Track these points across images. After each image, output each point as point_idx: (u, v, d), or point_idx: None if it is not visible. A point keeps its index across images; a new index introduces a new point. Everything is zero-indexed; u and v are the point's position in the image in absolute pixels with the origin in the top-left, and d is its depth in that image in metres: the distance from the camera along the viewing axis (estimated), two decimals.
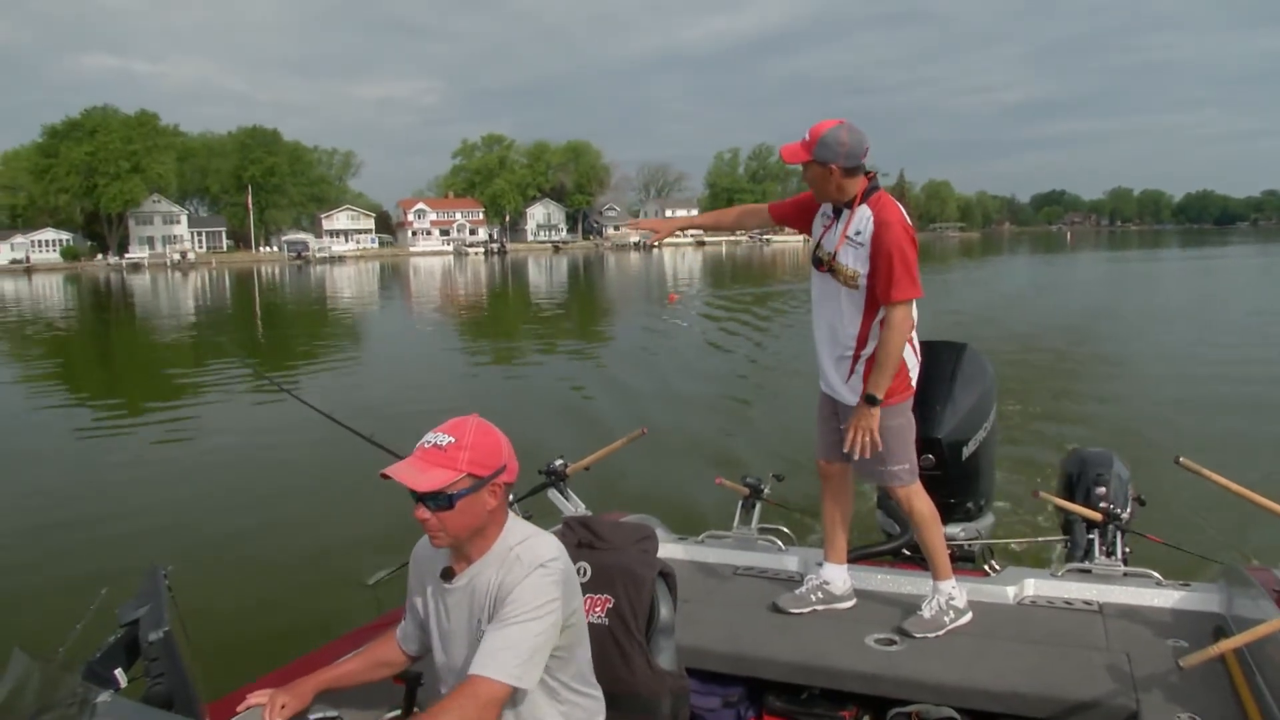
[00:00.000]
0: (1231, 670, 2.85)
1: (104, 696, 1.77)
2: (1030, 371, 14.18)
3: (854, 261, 3.29)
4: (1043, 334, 19.38)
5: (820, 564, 3.67)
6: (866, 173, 3.30)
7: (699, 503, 7.30)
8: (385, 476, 2.00)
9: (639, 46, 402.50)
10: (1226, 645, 2.68)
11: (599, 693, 2.26)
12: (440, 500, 1.99)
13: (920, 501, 3.46)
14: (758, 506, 4.40)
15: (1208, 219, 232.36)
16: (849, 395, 3.43)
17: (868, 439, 3.30)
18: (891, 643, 3.24)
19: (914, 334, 3.40)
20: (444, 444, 2.00)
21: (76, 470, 10.68)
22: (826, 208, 3.45)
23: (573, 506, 4.17)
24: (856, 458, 3.36)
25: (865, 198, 3.27)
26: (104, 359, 23.99)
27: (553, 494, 4.24)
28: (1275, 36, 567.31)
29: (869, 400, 3.29)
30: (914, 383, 3.44)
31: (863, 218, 3.26)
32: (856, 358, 3.40)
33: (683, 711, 2.47)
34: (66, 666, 1.89)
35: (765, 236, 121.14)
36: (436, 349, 23.31)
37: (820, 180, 3.28)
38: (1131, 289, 37.65)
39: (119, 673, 1.99)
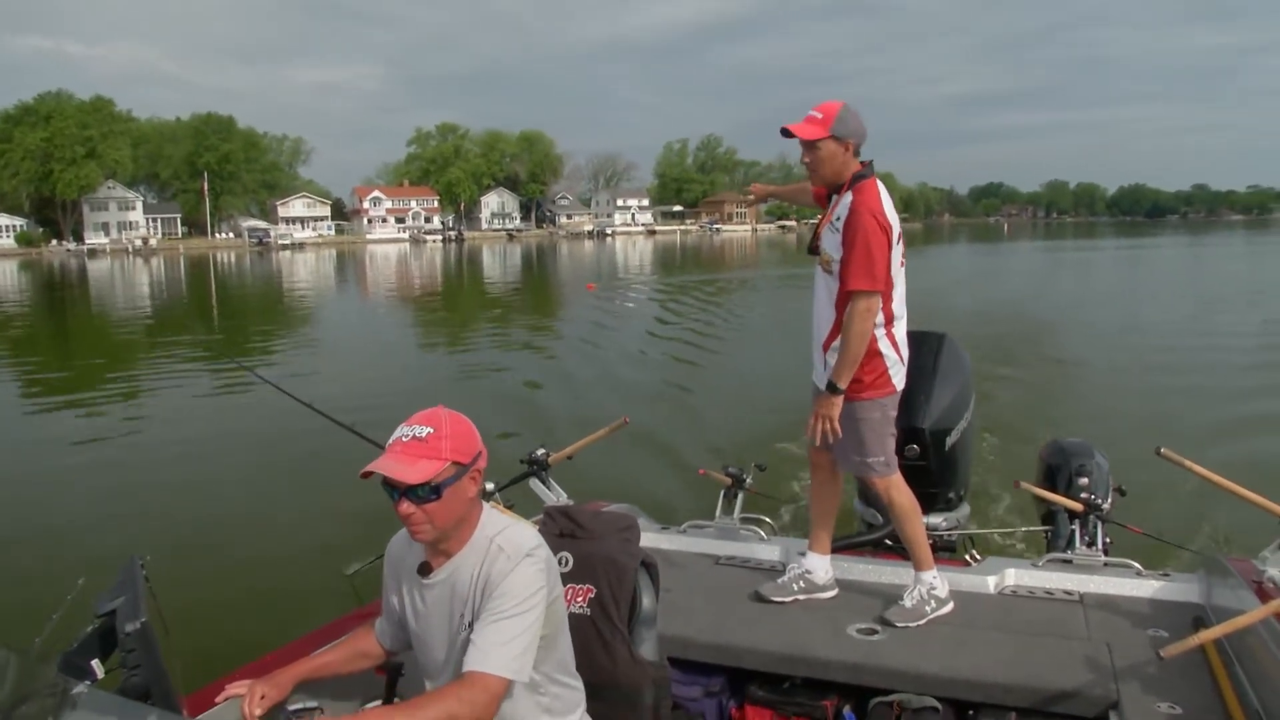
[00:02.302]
0: (1211, 660, 2.86)
1: (80, 688, 1.76)
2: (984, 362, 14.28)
3: (831, 247, 3.30)
4: (990, 321, 19.51)
5: (803, 554, 3.67)
6: (862, 160, 3.32)
7: (653, 489, 7.43)
8: (367, 474, 1.96)
9: (585, 34, 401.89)
10: (1206, 635, 2.68)
11: (579, 683, 2.25)
12: (427, 492, 1.96)
13: (899, 493, 3.45)
14: (740, 496, 4.38)
15: (1140, 212, 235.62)
16: (821, 384, 3.41)
17: (827, 427, 3.28)
18: (873, 632, 3.24)
19: (899, 330, 3.39)
20: (424, 435, 1.97)
21: (45, 458, 10.63)
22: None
23: (555, 496, 4.13)
24: (816, 444, 3.37)
25: (853, 184, 3.27)
26: (74, 345, 23.67)
27: (534, 483, 4.21)
28: (1208, 34, 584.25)
29: (830, 388, 3.27)
30: (897, 381, 3.41)
31: (844, 203, 3.27)
32: (827, 346, 3.38)
33: (664, 701, 2.46)
34: (43, 658, 1.88)
35: (716, 226, 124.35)
36: (410, 335, 23.74)
37: (831, 158, 3.26)
38: (1065, 277, 38.84)
39: (96, 664, 1.97)
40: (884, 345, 3.35)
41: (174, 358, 18.91)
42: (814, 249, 3.43)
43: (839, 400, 3.27)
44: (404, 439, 1.98)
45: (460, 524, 2.06)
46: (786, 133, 3.28)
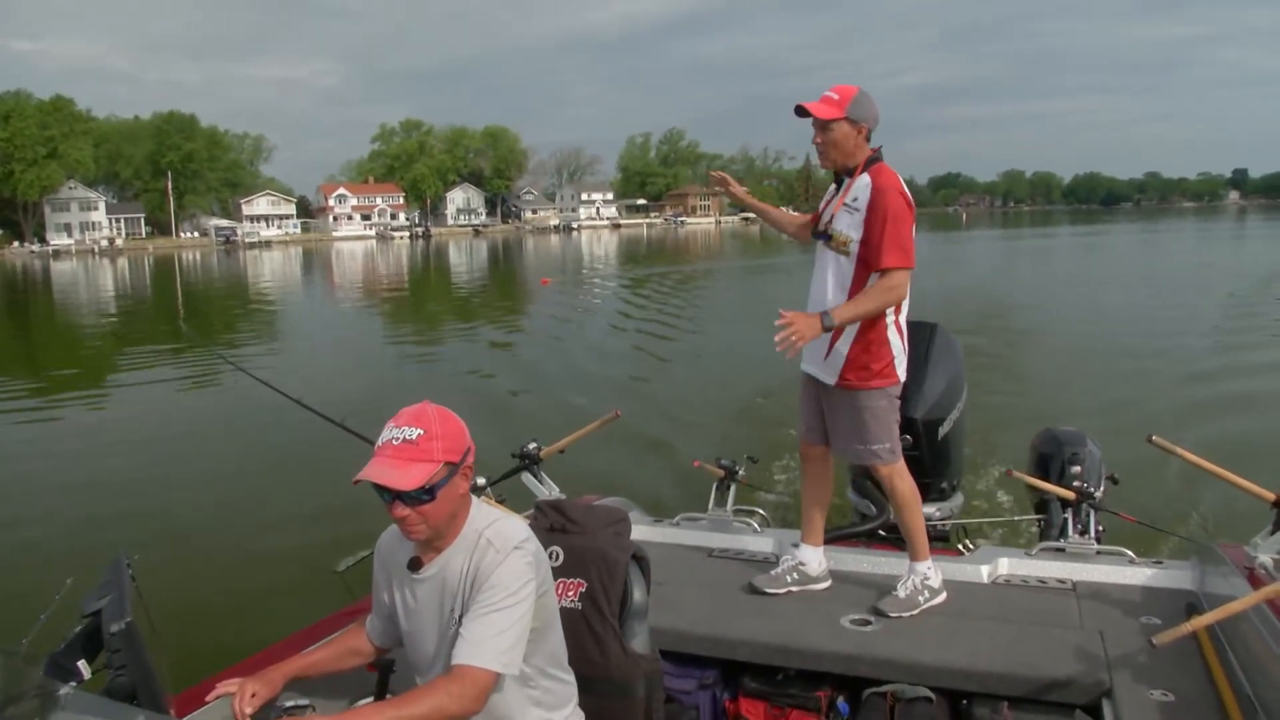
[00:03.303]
0: (1204, 647, 2.87)
1: (65, 689, 1.76)
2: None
3: (847, 227, 3.28)
4: (954, 307, 19.04)
5: (796, 545, 3.67)
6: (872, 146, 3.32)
7: (646, 481, 7.52)
8: (359, 482, 1.94)
9: (545, 29, 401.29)
10: (1199, 622, 2.68)
11: (571, 677, 2.25)
12: (422, 495, 1.95)
13: (903, 481, 3.45)
14: (732, 488, 4.38)
15: (1095, 200, 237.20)
16: (827, 374, 3.39)
17: (793, 338, 3.09)
18: (867, 623, 3.25)
19: (904, 320, 3.38)
20: (414, 437, 1.95)
21: (29, 459, 10.57)
22: (830, 189, 3.47)
23: (546, 490, 4.13)
24: (777, 350, 3.14)
25: (867, 167, 3.27)
26: (52, 344, 23.54)
27: (526, 477, 4.20)
28: (1158, 26, 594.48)
29: (824, 319, 3.16)
30: (900, 371, 3.39)
31: (861, 185, 3.26)
32: (836, 333, 3.30)
33: (657, 694, 2.47)
34: (30, 659, 1.86)
35: (681, 219, 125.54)
36: (387, 329, 23.82)
37: (844, 140, 3.26)
38: (1024, 264, 39.42)
39: (82, 665, 1.96)
40: (891, 334, 3.35)
41: (154, 355, 18.87)
42: (820, 233, 3.42)
43: (818, 327, 3.16)
44: (395, 441, 1.96)
45: (452, 520, 2.06)
46: (802, 111, 3.28)
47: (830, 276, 3.35)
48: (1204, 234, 68.79)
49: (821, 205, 3.49)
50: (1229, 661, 2.77)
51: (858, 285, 3.28)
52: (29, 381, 16.62)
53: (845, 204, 3.31)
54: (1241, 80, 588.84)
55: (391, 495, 1.96)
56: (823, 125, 3.27)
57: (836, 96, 3.25)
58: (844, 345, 3.33)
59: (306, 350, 19.31)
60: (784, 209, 4.04)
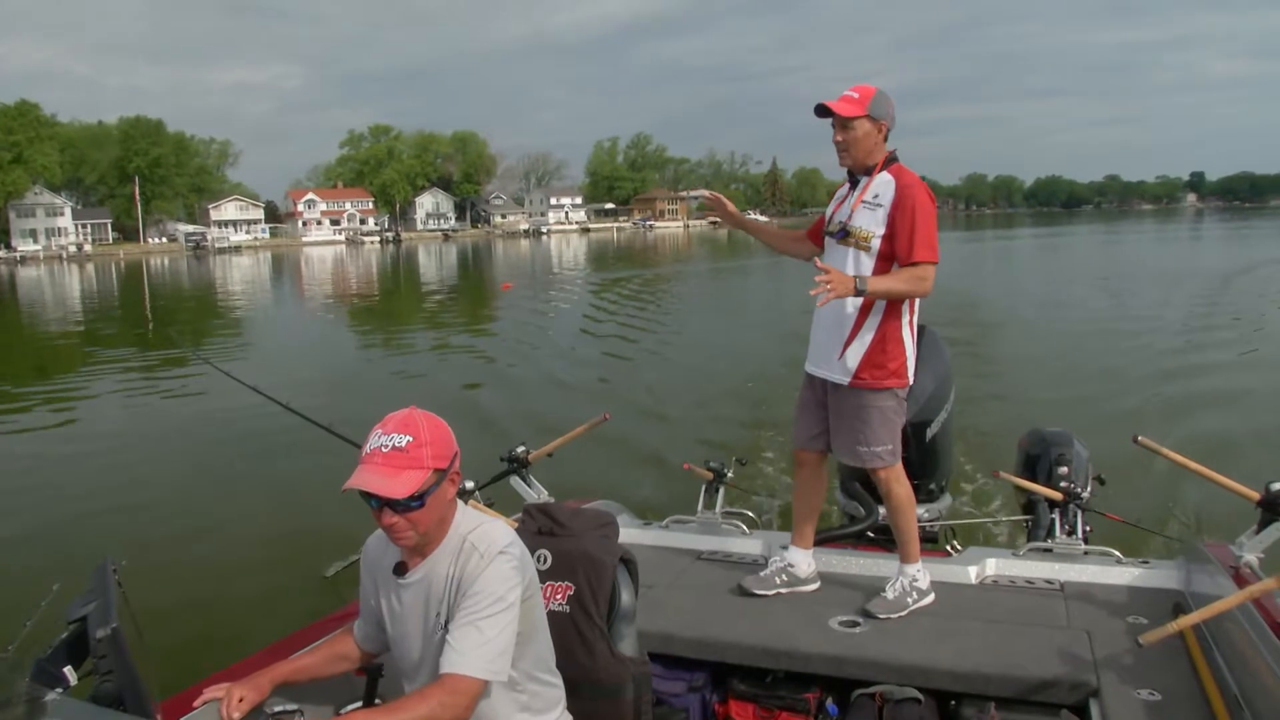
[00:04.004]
0: (1190, 646, 2.88)
1: (51, 695, 1.77)
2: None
3: (869, 223, 3.28)
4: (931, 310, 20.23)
5: (785, 547, 3.67)
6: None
7: (634, 484, 7.53)
8: (348, 490, 1.94)
9: (509, 32, 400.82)
10: (1185, 621, 2.69)
11: (559, 680, 2.25)
12: (412, 502, 1.95)
13: (900, 485, 3.45)
14: (721, 491, 4.39)
15: (1056, 202, 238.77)
16: (840, 373, 3.37)
17: (831, 287, 3.05)
18: (855, 625, 3.25)
19: (915, 323, 3.40)
20: (403, 444, 1.95)
21: (11, 464, 10.53)
22: (841, 189, 3.47)
23: (535, 494, 4.14)
24: (811, 294, 3.11)
25: (886, 165, 3.29)
26: (30, 350, 23.47)
27: (515, 481, 4.20)
28: (1117, 30, 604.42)
29: (858, 280, 3.14)
30: (910, 372, 3.40)
31: (882, 182, 3.28)
32: (856, 329, 3.31)
33: (645, 697, 2.47)
34: (15, 666, 1.85)
35: (650, 223, 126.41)
36: (367, 334, 23.85)
37: (864, 138, 3.27)
38: (989, 265, 39.88)
39: (68, 671, 1.94)
40: (906, 334, 3.36)
41: (135, 361, 18.80)
42: (836, 230, 3.40)
43: (852, 290, 3.13)
44: (383, 449, 1.96)
45: (440, 525, 2.06)
46: (822, 110, 3.29)
47: (849, 272, 3.27)
48: (1163, 236, 70.03)
49: (832, 206, 3.50)
50: (1215, 660, 2.78)
51: None
52: (4, 388, 16.44)
53: (865, 201, 3.31)
54: (1198, 84, 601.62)
55: (380, 502, 1.96)
56: (844, 123, 3.28)
57: (857, 95, 3.28)
58: (861, 343, 3.34)
59: (287, 355, 19.37)
60: (755, 213, 4.23)
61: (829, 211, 3.50)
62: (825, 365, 3.44)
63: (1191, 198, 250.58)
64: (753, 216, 3.93)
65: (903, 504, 3.47)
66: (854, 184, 3.40)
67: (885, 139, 3.34)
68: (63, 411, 13.75)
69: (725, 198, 3.76)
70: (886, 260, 3.28)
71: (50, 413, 13.63)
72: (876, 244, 3.28)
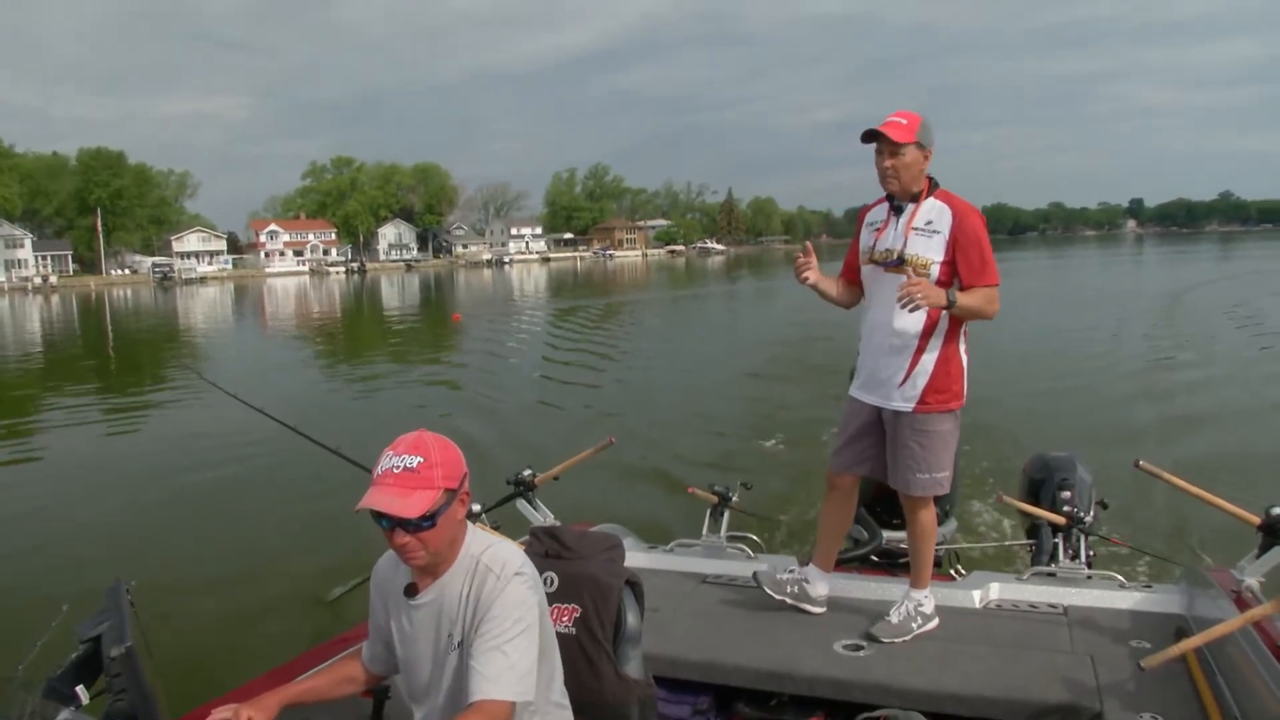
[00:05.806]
0: (1192, 670, 2.89)
1: (65, 714, 1.78)
2: None
3: (927, 250, 3.25)
4: None
5: (791, 570, 3.67)
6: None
7: (640, 508, 7.52)
8: (362, 510, 1.95)
9: (462, 63, 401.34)
10: (1187, 645, 2.70)
11: (567, 702, 2.26)
12: (424, 522, 1.96)
13: (929, 511, 3.46)
14: (726, 514, 4.40)
15: (1003, 229, 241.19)
16: (903, 400, 3.33)
17: (917, 296, 3.06)
18: (859, 648, 3.26)
19: (967, 344, 3.38)
20: (414, 465, 1.97)
21: (22, 486, 10.56)
22: (875, 216, 3.43)
23: (541, 516, 4.16)
24: (899, 300, 3.10)
25: (931, 191, 3.29)
26: (25, 374, 23.62)
27: (521, 504, 4.23)
28: (1062, 61, 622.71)
29: (949, 293, 3.15)
30: (965, 394, 3.38)
31: (932, 208, 3.27)
32: (919, 353, 3.29)
33: (650, 719, 2.48)
34: (26, 685, 1.87)
35: (609, 252, 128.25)
36: (351, 363, 23.68)
37: (912, 165, 3.25)
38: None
39: (80, 689, 1.96)
40: (963, 357, 3.35)
41: (142, 384, 18.85)
42: (887, 259, 3.33)
43: (944, 302, 3.15)
44: (395, 470, 1.97)
45: (451, 546, 2.07)
46: (871, 135, 3.27)
47: (899, 302, 3.18)
48: (1107, 260, 71.64)
49: (869, 234, 3.43)
50: (1217, 684, 2.78)
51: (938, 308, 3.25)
52: (17, 417, 16.30)
53: (917, 228, 3.28)
54: (1135, 113, 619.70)
55: (392, 523, 1.97)
56: (895, 149, 3.25)
57: (905, 121, 3.25)
58: (926, 367, 3.30)
59: (279, 379, 19.38)
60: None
61: (869, 241, 3.43)
62: (883, 394, 3.40)
63: (1131, 224, 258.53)
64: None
65: (927, 531, 3.48)
66: (897, 210, 3.36)
67: (928, 163, 3.33)
68: (65, 438, 13.80)
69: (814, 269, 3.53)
70: (946, 286, 3.25)
71: (50, 441, 13.74)
72: (936, 270, 3.24)
